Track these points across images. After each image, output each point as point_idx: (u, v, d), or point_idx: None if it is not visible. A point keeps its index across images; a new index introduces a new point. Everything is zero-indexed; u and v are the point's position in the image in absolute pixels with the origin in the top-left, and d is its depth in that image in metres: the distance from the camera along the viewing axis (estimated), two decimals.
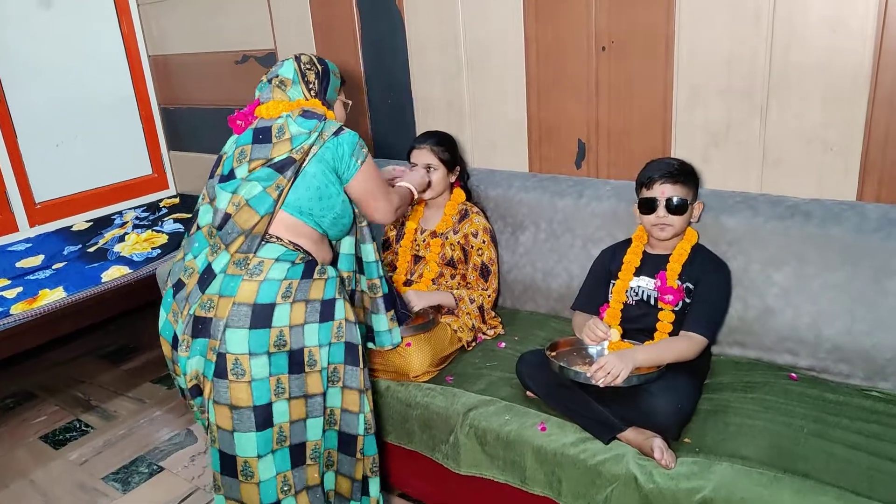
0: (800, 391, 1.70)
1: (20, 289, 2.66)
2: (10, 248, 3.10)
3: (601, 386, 1.59)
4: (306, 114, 1.73)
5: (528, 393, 1.81)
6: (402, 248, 2.30)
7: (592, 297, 1.93)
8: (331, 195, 1.71)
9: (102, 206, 3.51)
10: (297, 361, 1.63)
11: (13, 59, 3.13)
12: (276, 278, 1.62)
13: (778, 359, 1.83)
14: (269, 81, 1.82)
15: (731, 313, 1.87)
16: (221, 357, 1.59)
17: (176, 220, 3.25)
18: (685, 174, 1.80)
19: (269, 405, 1.61)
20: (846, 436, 1.52)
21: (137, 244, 3.02)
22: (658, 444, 1.52)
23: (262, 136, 1.72)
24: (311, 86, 1.82)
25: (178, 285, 1.72)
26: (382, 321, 1.89)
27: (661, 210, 1.78)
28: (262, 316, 1.59)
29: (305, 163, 1.68)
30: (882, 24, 1.69)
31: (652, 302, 1.80)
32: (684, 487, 1.44)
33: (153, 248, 2.96)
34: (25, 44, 3.17)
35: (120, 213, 3.49)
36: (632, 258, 1.85)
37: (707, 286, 1.75)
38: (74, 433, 2.66)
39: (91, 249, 3.03)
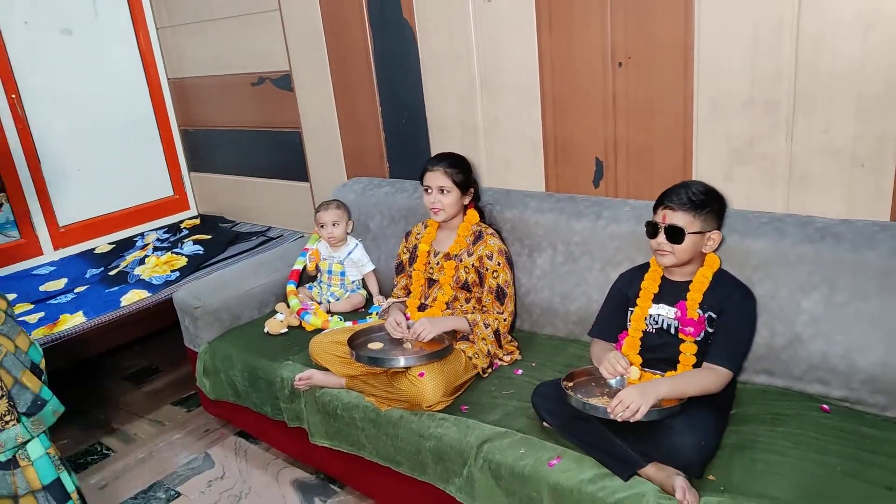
0: (833, 424, 1.60)
1: (42, 314, 2.68)
2: (34, 272, 3.15)
3: (620, 421, 1.52)
4: None
5: (545, 424, 1.75)
6: (415, 272, 2.25)
7: (610, 324, 1.86)
8: None
9: (125, 228, 3.54)
10: None
11: (36, 85, 3.18)
12: None
13: (808, 388, 1.73)
14: None
15: (757, 340, 1.78)
16: None
17: (196, 242, 3.25)
18: (695, 203, 1.67)
19: None
20: (885, 476, 1.42)
21: (157, 267, 3.03)
22: (680, 482, 1.44)
23: None
24: None
25: None
26: None
27: (661, 236, 1.70)
28: None
29: None
30: None
31: (672, 331, 1.72)
32: None
33: (172, 271, 2.96)
34: (47, 70, 3.22)
35: (142, 234, 3.52)
36: (649, 284, 1.77)
37: (731, 315, 1.66)
38: (95, 457, 2.67)
39: (112, 272, 3.05)
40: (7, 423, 1.32)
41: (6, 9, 3.08)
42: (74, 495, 1.44)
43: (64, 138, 3.30)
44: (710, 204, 1.70)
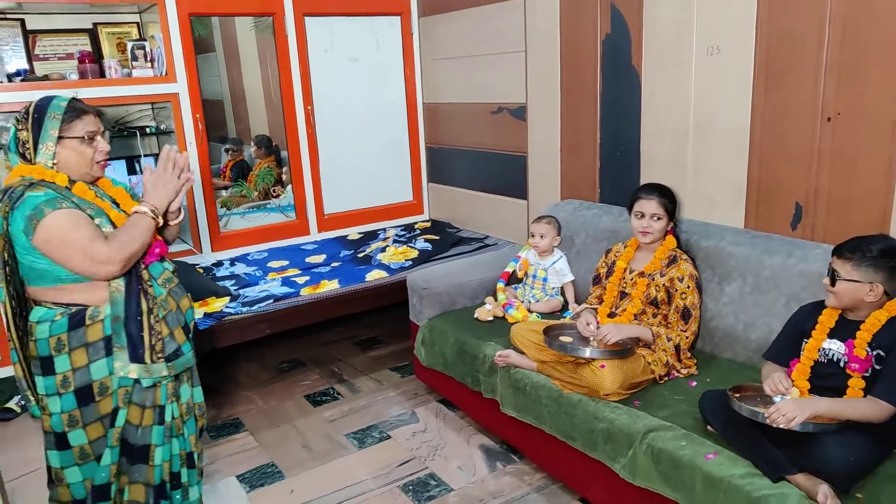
0: None
1: (308, 277, 3.42)
2: (302, 247, 3.96)
3: (775, 427, 1.72)
4: (2, 195, 1.73)
5: (708, 428, 1.98)
6: (610, 284, 2.57)
7: (785, 350, 2.03)
8: (41, 260, 1.72)
9: (371, 222, 4.28)
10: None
11: (325, 100, 4.02)
12: (43, 337, 1.77)
13: None
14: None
15: None
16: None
17: (426, 240, 3.86)
18: (861, 255, 1.82)
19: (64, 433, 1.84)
20: None
21: (395, 255, 3.67)
22: (824, 489, 1.61)
23: None
24: (25, 147, 1.76)
25: None
26: None
27: (826, 279, 1.88)
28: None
29: (8, 245, 1.73)
30: None
31: (841, 364, 1.87)
32: None
33: (406, 260, 3.58)
34: (335, 89, 4.04)
35: (384, 229, 4.23)
36: (826, 319, 1.92)
37: None
38: (328, 397, 3.34)
39: (360, 255, 3.76)
40: (159, 358, 1.87)
41: (314, 40, 3.94)
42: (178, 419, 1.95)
43: (338, 145, 4.10)
44: (881, 261, 1.81)
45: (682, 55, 2.63)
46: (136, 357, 1.83)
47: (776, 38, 2.32)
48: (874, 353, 1.81)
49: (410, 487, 2.56)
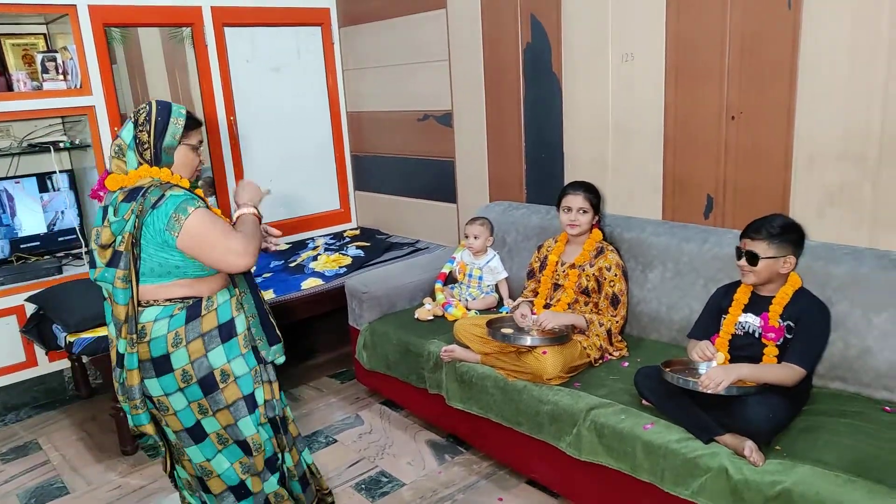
0: (891, 421, 1.90)
1: None
2: None
3: (704, 391, 1.91)
4: (130, 195, 1.77)
5: (644, 402, 2.16)
6: (543, 277, 2.73)
7: (706, 328, 2.24)
8: (175, 256, 1.78)
9: (299, 232, 4.28)
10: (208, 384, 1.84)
11: (248, 111, 4.00)
12: (161, 334, 1.80)
13: (875, 394, 2.03)
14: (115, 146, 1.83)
15: (832, 352, 2.10)
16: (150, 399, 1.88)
17: (358, 247, 3.91)
18: (770, 234, 2.04)
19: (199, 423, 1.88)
20: None
21: (328, 263, 3.70)
22: (749, 444, 1.81)
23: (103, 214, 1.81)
24: (144, 148, 1.81)
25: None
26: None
27: (742, 259, 2.09)
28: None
29: (136, 244, 1.76)
30: None
31: (756, 336, 2.09)
32: (768, 480, 1.73)
33: (340, 267, 3.62)
34: (258, 99, 4.04)
35: (312, 238, 4.24)
36: (740, 296, 2.15)
37: (807, 324, 2.01)
38: None
39: (292, 265, 3.76)
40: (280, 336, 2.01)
41: (234, 50, 3.92)
42: (261, 408, 1.93)
43: (262, 155, 4.09)
44: (784, 235, 2.06)
45: (599, 62, 2.84)
46: (273, 340, 1.95)
47: (683, 46, 2.56)
48: (785, 323, 2.04)
49: (363, 486, 2.61)
